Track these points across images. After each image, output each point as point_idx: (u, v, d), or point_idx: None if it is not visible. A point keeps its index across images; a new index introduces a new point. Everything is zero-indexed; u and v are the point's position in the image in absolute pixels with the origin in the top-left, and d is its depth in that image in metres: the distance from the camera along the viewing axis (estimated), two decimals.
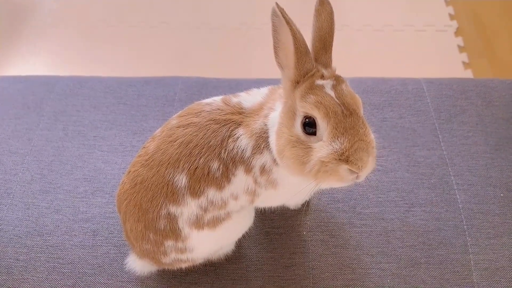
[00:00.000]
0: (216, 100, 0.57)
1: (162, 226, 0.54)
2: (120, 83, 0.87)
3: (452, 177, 0.74)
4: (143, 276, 0.64)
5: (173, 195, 0.53)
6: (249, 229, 0.67)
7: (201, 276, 0.65)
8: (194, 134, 0.53)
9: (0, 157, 0.76)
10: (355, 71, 1.53)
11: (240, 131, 0.52)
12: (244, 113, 0.54)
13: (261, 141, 0.52)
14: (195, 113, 0.55)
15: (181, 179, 0.52)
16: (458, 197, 0.72)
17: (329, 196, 0.72)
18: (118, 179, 0.74)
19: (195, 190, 0.52)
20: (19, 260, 0.66)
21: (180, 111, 0.58)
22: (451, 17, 1.76)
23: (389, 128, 0.80)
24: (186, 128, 0.54)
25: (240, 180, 0.53)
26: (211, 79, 0.92)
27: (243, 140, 0.52)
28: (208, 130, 0.53)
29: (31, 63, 1.60)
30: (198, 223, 0.54)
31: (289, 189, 0.55)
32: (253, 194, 0.54)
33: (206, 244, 0.58)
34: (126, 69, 1.56)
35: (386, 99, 0.85)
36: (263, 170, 0.53)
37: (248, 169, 0.52)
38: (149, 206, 0.54)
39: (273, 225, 0.69)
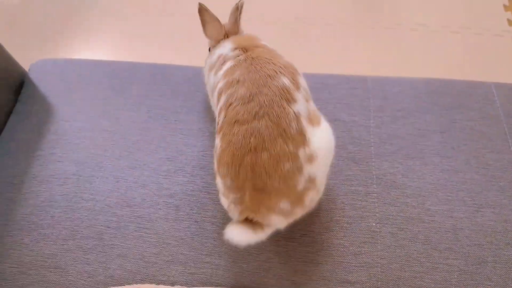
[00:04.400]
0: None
1: (294, 129, 0.59)
2: (197, 72, 0.92)
3: None
4: (223, 250, 0.70)
5: (289, 94, 0.62)
6: (320, 216, 0.72)
7: (274, 256, 0.70)
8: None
9: (92, 134, 0.83)
10: (409, 71, 1.53)
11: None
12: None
13: None
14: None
15: (285, 80, 0.63)
16: None
17: (399, 191, 0.74)
18: (197, 161, 0.80)
19: (296, 83, 0.64)
20: (110, 228, 0.74)
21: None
22: (510, 22, 1.72)
23: (458, 130, 0.81)
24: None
25: None
26: None
27: None
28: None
29: (93, 48, 1.70)
30: (309, 118, 0.62)
31: None
32: None
33: (322, 147, 0.62)
34: (191, 58, 1.62)
35: (454, 101, 0.86)
36: None
37: None
38: (280, 114, 0.59)
39: (344, 214, 0.73)
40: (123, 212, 0.75)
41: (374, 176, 0.76)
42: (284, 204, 0.60)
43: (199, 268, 0.70)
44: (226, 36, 0.77)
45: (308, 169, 0.60)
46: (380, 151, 0.79)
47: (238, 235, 0.63)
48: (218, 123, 0.65)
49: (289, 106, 0.60)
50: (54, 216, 0.75)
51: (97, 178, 0.78)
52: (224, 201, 0.65)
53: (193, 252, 0.71)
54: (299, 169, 0.59)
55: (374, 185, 0.75)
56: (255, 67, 0.64)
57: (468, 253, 0.69)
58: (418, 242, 0.70)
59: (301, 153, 0.59)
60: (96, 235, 0.73)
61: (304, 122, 0.61)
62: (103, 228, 0.74)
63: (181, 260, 0.71)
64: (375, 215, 0.73)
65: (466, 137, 0.81)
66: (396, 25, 1.68)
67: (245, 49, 0.70)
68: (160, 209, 0.75)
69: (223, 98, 0.63)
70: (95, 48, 1.71)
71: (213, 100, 0.74)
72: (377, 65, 1.58)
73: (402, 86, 0.90)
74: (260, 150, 0.58)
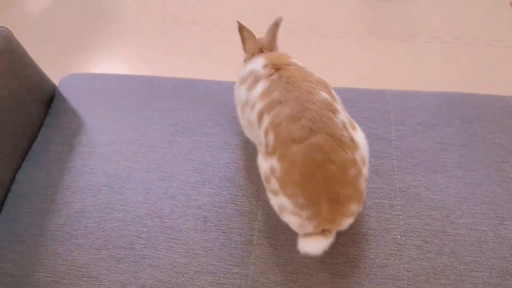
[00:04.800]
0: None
1: (346, 137, 0.63)
2: (221, 86, 0.95)
3: None
4: (251, 261, 0.72)
5: (332, 106, 0.65)
6: (347, 229, 0.73)
7: (302, 268, 0.72)
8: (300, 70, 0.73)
9: (121, 146, 0.86)
10: (422, 83, 1.55)
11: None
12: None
13: None
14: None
15: (324, 94, 0.66)
16: None
17: (423, 204, 0.76)
18: (224, 173, 0.82)
19: (332, 96, 0.68)
20: (140, 238, 0.76)
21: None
22: None
23: (479, 143, 0.83)
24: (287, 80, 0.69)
25: None
26: None
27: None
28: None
29: (110, 62, 1.74)
30: (350, 124, 0.67)
31: None
32: None
33: (366, 148, 0.69)
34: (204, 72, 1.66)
35: (475, 115, 0.87)
36: None
37: None
38: (332, 126, 0.62)
39: (369, 226, 0.74)
40: (153, 223, 0.77)
41: (398, 189, 0.78)
42: (353, 207, 0.64)
43: (228, 279, 0.72)
44: (261, 50, 0.80)
45: (364, 170, 0.65)
46: (403, 164, 0.81)
47: (314, 246, 0.65)
48: (265, 144, 0.66)
49: (335, 117, 0.63)
50: (87, 227, 0.77)
51: (128, 189, 0.81)
52: (294, 219, 0.65)
53: (222, 262, 0.73)
54: (360, 172, 0.63)
55: (398, 197, 0.77)
56: (292, 86, 0.66)
57: (493, 266, 0.70)
58: (444, 255, 0.71)
59: (357, 157, 0.63)
60: (128, 245, 0.75)
61: (349, 128, 0.65)
62: (134, 238, 0.76)
63: (210, 271, 0.72)
64: (400, 227, 0.74)
65: (487, 150, 0.82)
66: (409, 37, 1.70)
67: (276, 67, 0.72)
68: (188, 220, 0.77)
69: (266, 119, 0.65)
70: (112, 61, 1.76)
71: (242, 114, 0.77)
72: (391, 77, 1.60)
73: (421, 99, 0.92)
74: (327, 163, 0.60)
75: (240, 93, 0.76)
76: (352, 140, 0.64)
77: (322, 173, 0.60)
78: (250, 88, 0.71)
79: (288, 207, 0.64)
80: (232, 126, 0.88)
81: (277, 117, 0.63)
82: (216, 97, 0.94)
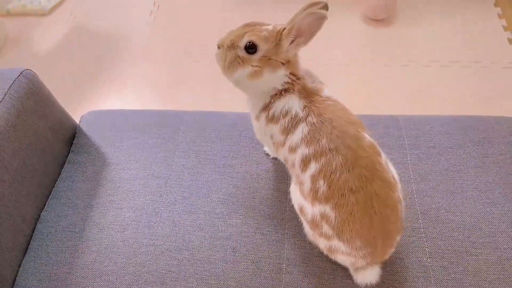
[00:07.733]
0: None
1: (393, 178, 0.66)
2: (241, 118, 0.98)
3: None
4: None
5: (376, 148, 0.67)
6: None
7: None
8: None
9: (146, 181, 0.88)
10: (427, 108, 1.60)
11: None
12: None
13: None
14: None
15: (368, 137, 0.68)
16: None
17: (444, 226, 0.78)
18: (249, 202, 0.84)
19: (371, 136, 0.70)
20: (171, 272, 0.77)
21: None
22: None
23: (492, 163, 0.87)
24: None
25: None
26: None
27: None
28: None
29: (123, 97, 1.77)
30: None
31: None
32: None
33: (397, 177, 0.72)
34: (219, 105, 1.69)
35: (484, 137, 0.91)
36: None
37: None
38: (383, 171, 0.64)
39: (395, 250, 0.76)
40: (183, 256, 0.78)
41: (419, 212, 0.80)
42: (398, 237, 0.69)
43: None
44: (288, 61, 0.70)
45: (403, 204, 0.68)
46: (421, 187, 0.84)
47: (372, 276, 0.70)
48: (312, 189, 0.66)
49: (381, 160, 0.66)
50: (117, 262, 0.78)
51: (155, 223, 0.82)
52: (348, 258, 0.69)
53: None
54: (402, 205, 0.67)
55: (420, 220, 0.79)
56: (339, 131, 0.65)
57: None
58: (469, 275, 0.73)
59: (400, 194, 0.67)
60: (159, 280, 0.76)
61: (391, 168, 0.68)
62: (164, 272, 0.77)
63: None
64: (425, 249, 0.76)
65: (500, 170, 0.86)
66: (409, 62, 1.77)
67: (311, 102, 0.68)
68: (217, 251, 0.78)
69: (314, 166, 0.65)
70: (124, 95, 1.79)
71: (276, 149, 0.74)
72: (396, 102, 1.64)
73: (432, 123, 0.96)
74: (383, 209, 0.63)
75: (272, 131, 0.72)
76: (394, 179, 0.67)
77: (379, 219, 0.64)
78: (288, 131, 0.69)
79: (342, 249, 0.67)
80: (253, 156, 0.91)
81: (329, 166, 0.63)
82: (234, 128, 0.97)
